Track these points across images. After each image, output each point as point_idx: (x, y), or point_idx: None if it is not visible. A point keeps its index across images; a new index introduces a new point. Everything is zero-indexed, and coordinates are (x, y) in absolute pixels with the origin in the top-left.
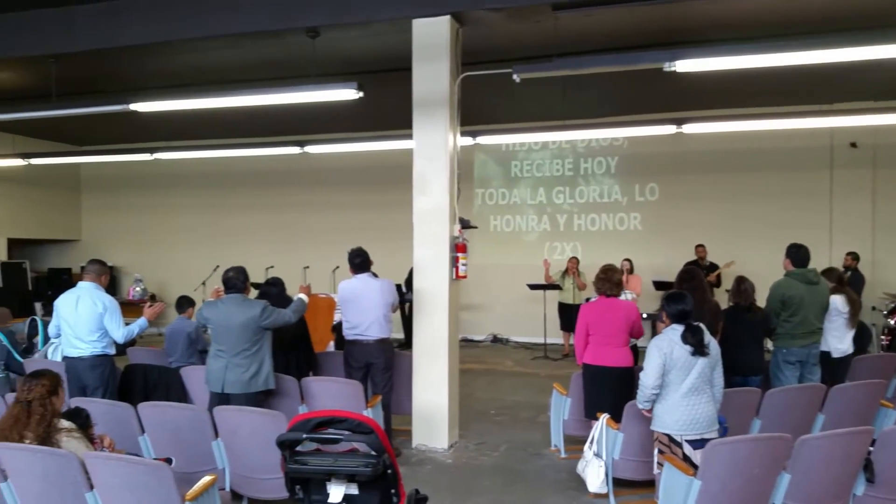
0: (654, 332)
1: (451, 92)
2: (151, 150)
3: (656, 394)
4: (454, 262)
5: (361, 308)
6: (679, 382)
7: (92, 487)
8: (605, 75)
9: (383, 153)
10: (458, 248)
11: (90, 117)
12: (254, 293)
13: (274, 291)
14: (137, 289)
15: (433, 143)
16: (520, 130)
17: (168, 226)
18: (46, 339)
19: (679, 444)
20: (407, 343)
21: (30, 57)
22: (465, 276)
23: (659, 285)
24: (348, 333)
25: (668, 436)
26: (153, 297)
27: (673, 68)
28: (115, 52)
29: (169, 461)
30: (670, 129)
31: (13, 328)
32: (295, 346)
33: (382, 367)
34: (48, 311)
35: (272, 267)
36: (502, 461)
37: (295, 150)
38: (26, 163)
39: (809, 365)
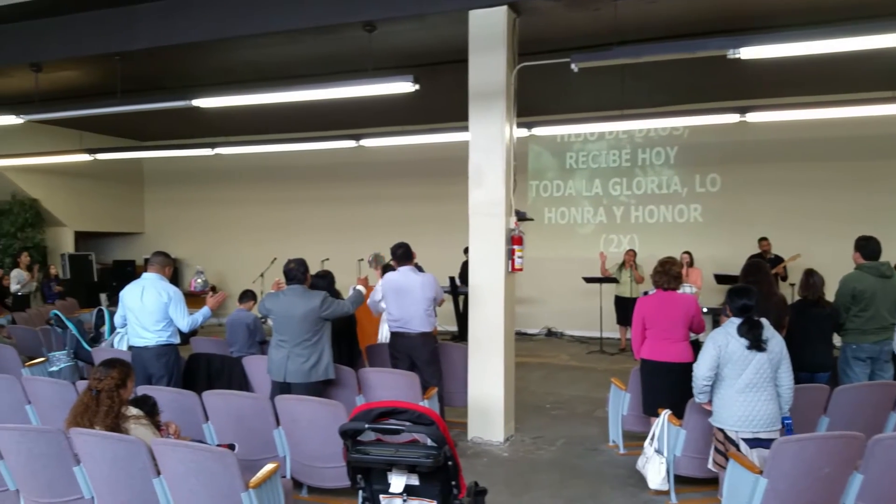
0: (717, 327)
1: (508, 83)
2: (212, 146)
3: (708, 385)
4: (510, 254)
5: (403, 302)
6: (735, 377)
7: (159, 473)
8: (664, 63)
9: (437, 146)
10: (514, 240)
11: (153, 113)
12: None
13: (322, 284)
14: (199, 280)
15: (489, 135)
16: (576, 121)
17: (227, 219)
18: (112, 328)
19: (734, 442)
20: (461, 336)
21: (96, 56)
22: (521, 269)
23: (720, 279)
24: (392, 325)
25: (723, 432)
26: (213, 289)
27: (737, 55)
28: (176, 50)
29: (232, 448)
30: (733, 118)
31: (81, 318)
32: (338, 337)
33: (426, 360)
34: (113, 302)
35: (327, 259)
36: (559, 456)
37: (350, 143)
38: (92, 158)
39: (881, 362)
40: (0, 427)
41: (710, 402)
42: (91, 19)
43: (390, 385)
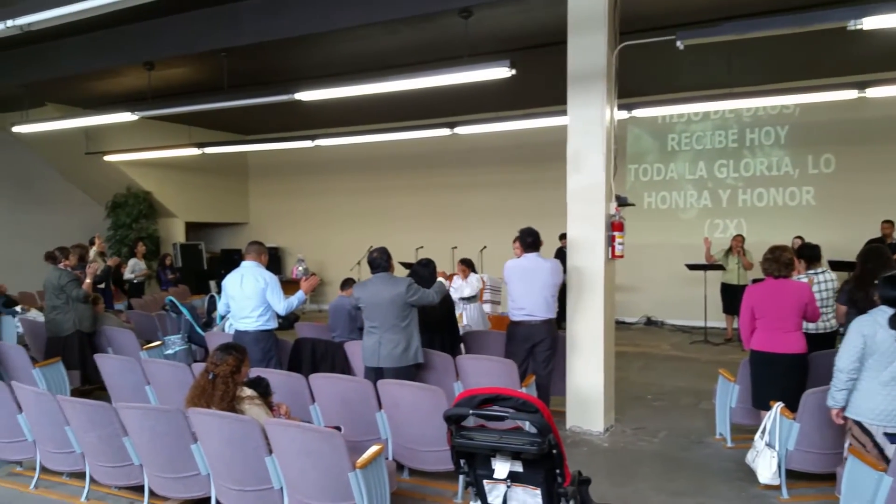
0: (836, 316)
1: (609, 63)
2: (311, 138)
3: (853, 379)
4: (610, 240)
5: (530, 288)
6: (880, 369)
7: (271, 452)
8: (775, 38)
9: (533, 131)
10: (614, 226)
11: (256, 107)
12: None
13: (425, 273)
14: (300, 268)
15: (589, 118)
16: (680, 101)
17: (325, 208)
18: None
19: (870, 434)
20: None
21: (203, 52)
22: (621, 256)
23: (835, 265)
24: (514, 314)
25: (859, 424)
26: (313, 276)
27: (859, 26)
28: (279, 44)
29: (338, 429)
30: (851, 94)
31: (194, 304)
32: (440, 326)
33: (547, 347)
34: (220, 289)
35: (421, 247)
36: (662, 447)
37: (445, 131)
38: (201, 152)
39: None
40: (125, 406)
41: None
42: (199, 17)
43: (487, 372)
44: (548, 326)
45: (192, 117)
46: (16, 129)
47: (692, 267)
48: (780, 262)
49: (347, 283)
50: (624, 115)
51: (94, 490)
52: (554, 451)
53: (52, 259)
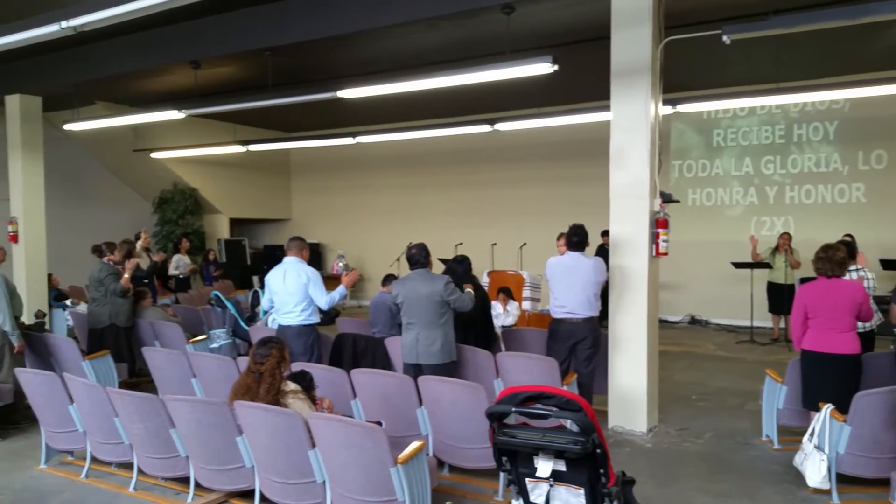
0: (888, 316)
1: (654, 58)
2: (353, 135)
3: None
4: (654, 238)
5: (572, 286)
6: None
7: (314, 445)
8: (824, 31)
9: (574, 127)
10: (658, 223)
11: (299, 105)
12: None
13: (460, 270)
14: (340, 264)
15: (632, 114)
16: (725, 96)
17: (366, 205)
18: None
19: None
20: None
21: (248, 51)
22: (665, 254)
23: (887, 264)
24: (556, 311)
25: None
26: (353, 271)
27: None
28: (321, 43)
29: (379, 424)
30: None
31: (238, 298)
32: (474, 322)
33: (589, 345)
34: (263, 284)
35: (461, 244)
36: (707, 449)
37: (485, 128)
38: (245, 149)
39: None
40: (173, 398)
41: None
42: (244, 16)
43: (528, 370)
44: (590, 325)
45: (237, 115)
46: (67, 126)
47: (738, 265)
48: (833, 261)
49: (388, 280)
50: (668, 110)
51: (141, 481)
52: (598, 451)
53: (98, 252)
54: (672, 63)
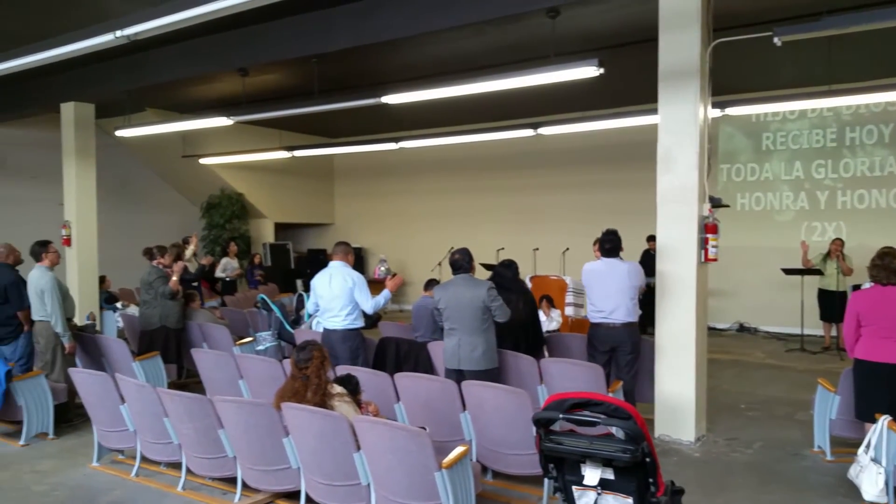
0: None
1: (702, 61)
2: (396, 140)
3: None
4: (703, 243)
5: (608, 291)
6: None
7: (359, 448)
8: (879, 31)
9: (618, 130)
10: (707, 228)
11: (343, 111)
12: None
13: (508, 274)
14: (382, 269)
15: (681, 117)
16: (776, 99)
17: (408, 210)
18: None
19: None
20: (641, 328)
21: (295, 58)
22: (715, 259)
23: None
24: (593, 316)
25: None
26: (395, 276)
27: None
28: (366, 49)
29: (423, 429)
30: None
31: (283, 301)
32: (524, 327)
33: (628, 351)
34: (307, 287)
35: (503, 249)
36: (757, 459)
37: (528, 132)
38: (291, 155)
39: None
40: (222, 399)
41: None
42: (292, 24)
43: (573, 377)
44: (628, 330)
45: (282, 121)
46: (119, 133)
47: (788, 272)
48: (890, 269)
49: (430, 284)
50: (716, 113)
51: (189, 480)
52: (647, 460)
53: (149, 255)
54: (720, 65)
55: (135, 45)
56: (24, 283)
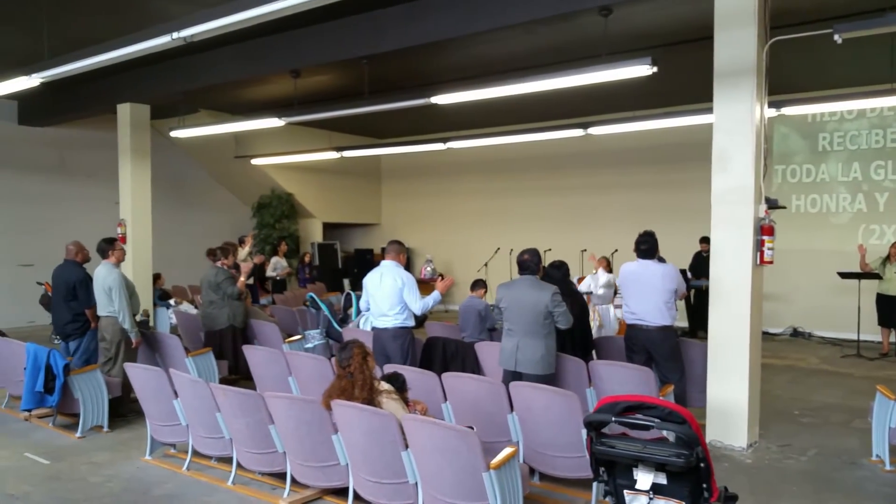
0: None
1: (759, 59)
2: (444, 140)
3: None
4: (759, 245)
5: (641, 293)
6: None
7: (407, 447)
8: None
9: (669, 130)
10: (763, 230)
11: (391, 111)
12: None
13: (558, 275)
14: (428, 268)
15: (736, 117)
16: (834, 98)
17: (454, 210)
18: (359, 311)
19: None
20: (691, 332)
21: (346, 60)
22: (771, 262)
23: None
24: (628, 318)
25: None
26: (441, 276)
27: None
28: (416, 50)
29: (471, 429)
30: None
31: (331, 300)
32: (571, 330)
33: (666, 356)
34: (354, 286)
35: (549, 250)
36: (811, 467)
37: (578, 132)
38: (339, 155)
39: None
40: (273, 395)
41: None
42: (343, 26)
43: (622, 380)
44: (663, 333)
45: (331, 122)
46: (173, 133)
47: (845, 275)
48: None
49: (477, 285)
50: (772, 112)
51: (240, 475)
52: (701, 465)
53: (212, 256)
54: (776, 64)
55: (189, 47)
56: (91, 280)
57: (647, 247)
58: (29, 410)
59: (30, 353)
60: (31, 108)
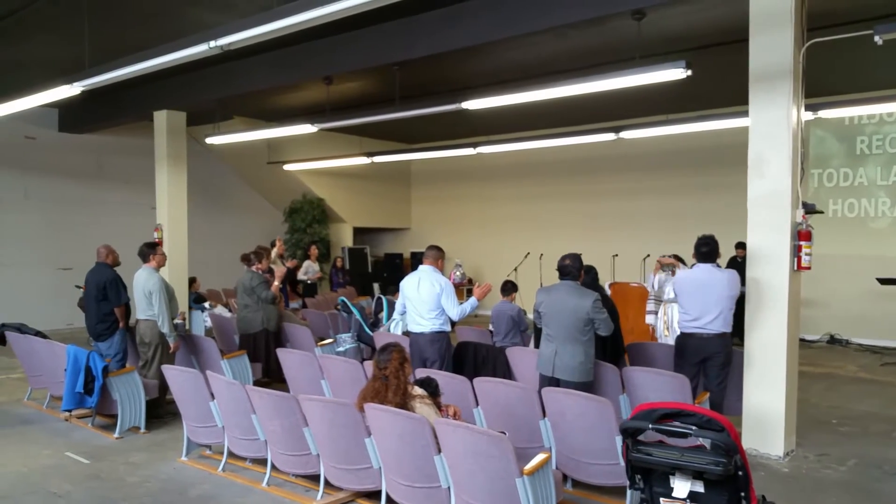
0: None
1: (796, 61)
2: (474, 145)
3: None
4: (796, 251)
5: (705, 300)
6: None
7: (440, 451)
8: None
9: (702, 134)
10: (801, 235)
11: (421, 117)
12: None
13: (587, 279)
14: (457, 273)
15: (773, 120)
16: (873, 100)
17: (484, 214)
18: (390, 315)
19: None
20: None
21: (378, 66)
22: (808, 268)
23: None
24: (685, 326)
25: None
26: (470, 280)
27: None
28: (447, 56)
29: (503, 434)
30: None
31: (362, 304)
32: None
33: (721, 363)
34: (383, 290)
35: (581, 255)
36: (851, 477)
37: (609, 136)
38: (370, 161)
39: None
40: (307, 398)
41: None
42: (375, 33)
43: (657, 386)
44: (722, 341)
45: (362, 128)
46: (209, 140)
47: (884, 281)
48: None
49: (507, 287)
50: (809, 116)
51: (274, 476)
52: (740, 473)
53: (246, 261)
54: (812, 65)
55: (224, 55)
56: (121, 281)
57: (707, 249)
58: (69, 411)
59: (70, 354)
60: (70, 115)
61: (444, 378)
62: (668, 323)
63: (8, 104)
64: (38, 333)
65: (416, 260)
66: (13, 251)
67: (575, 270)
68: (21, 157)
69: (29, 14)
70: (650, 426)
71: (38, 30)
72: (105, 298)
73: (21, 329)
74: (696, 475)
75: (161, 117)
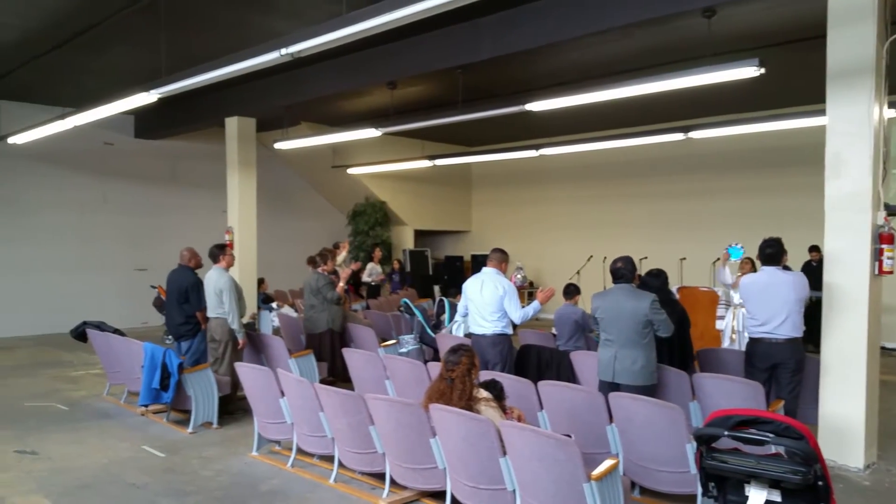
0: None
1: (878, 57)
2: (536, 147)
3: None
4: (877, 254)
5: (771, 304)
6: None
7: (505, 453)
8: None
9: (775, 133)
10: (882, 238)
11: (481, 120)
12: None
13: (656, 284)
14: (518, 276)
15: (852, 118)
16: None
17: (545, 217)
18: (452, 316)
19: None
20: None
21: (441, 70)
22: (890, 272)
23: None
24: (754, 331)
25: None
26: (531, 284)
27: None
28: (510, 58)
29: (569, 437)
30: None
31: (423, 306)
32: (670, 340)
33: (792, 369)
34: (444, 293)
35: (646, 258)
36: None
37: (678, 136)
38: (432, 164)
39: None
40: (374, 397)
41: None
42: (439, 36)
43: (728, 393)
44: (792, 346)
45: (424, 131)
46: (277, 145)
47: None
48: None
49: (570, 289)
50: (891, 113)
51: (341, 473)
52: (820, 483)
53: (312, 263)
54: (893, 62)
55: (293, 62)
56: (202, 285)
57: (772, 251)
58: (145, 406)
59: (147, 351)
60: (146, 122)
61: (507, 381)
62: (736, 328)
63: (90, 112)
64: (116, 331)
65: (476, 263)
66: (93, 253)
67: (628, 273)
68: (100, 163)
69: (108, 26)
70: (726, 433)
71: (116, 41)
72: (187, 301)
73: (100, 327)
74: (773, 484)
75: (232, 123)
